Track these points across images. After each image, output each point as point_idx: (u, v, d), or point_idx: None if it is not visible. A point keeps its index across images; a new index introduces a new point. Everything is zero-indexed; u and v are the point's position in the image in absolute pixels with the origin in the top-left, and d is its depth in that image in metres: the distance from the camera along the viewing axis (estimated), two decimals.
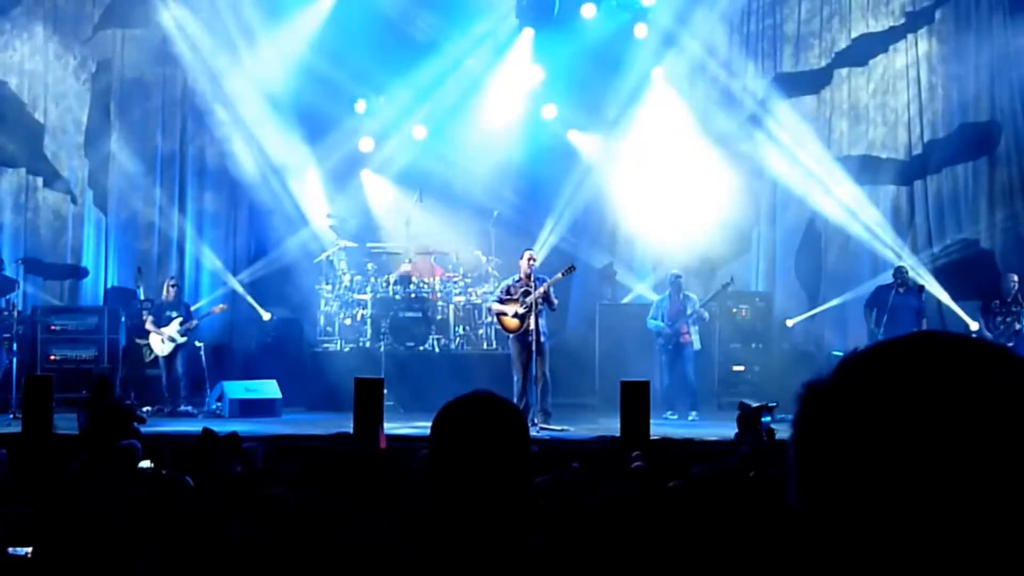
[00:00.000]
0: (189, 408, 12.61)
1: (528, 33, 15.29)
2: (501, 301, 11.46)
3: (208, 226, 15.12)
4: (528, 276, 11.16)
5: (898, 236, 14.52)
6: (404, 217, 14.90)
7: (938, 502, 0.90)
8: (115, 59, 14.78)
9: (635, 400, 9.63)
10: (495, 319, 11.75)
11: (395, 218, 15.17)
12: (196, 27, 14.72)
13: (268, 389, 12.55)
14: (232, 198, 15.13)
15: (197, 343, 13.10)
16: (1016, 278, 12.78)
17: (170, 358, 12.75)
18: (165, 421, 11.66)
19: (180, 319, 12.80)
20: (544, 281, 11.15)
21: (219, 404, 12.51)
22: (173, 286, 13.12)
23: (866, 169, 14.82)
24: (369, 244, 14.75)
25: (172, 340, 12.73)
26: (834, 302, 14.43)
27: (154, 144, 14.86)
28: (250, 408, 12.27)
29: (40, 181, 14.51)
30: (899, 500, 0.91)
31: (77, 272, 14.61)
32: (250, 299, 14.42)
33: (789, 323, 14.39)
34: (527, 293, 11.10)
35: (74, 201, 14.63)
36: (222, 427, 10.73)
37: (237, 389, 12.53)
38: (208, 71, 14.75)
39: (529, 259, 11.29)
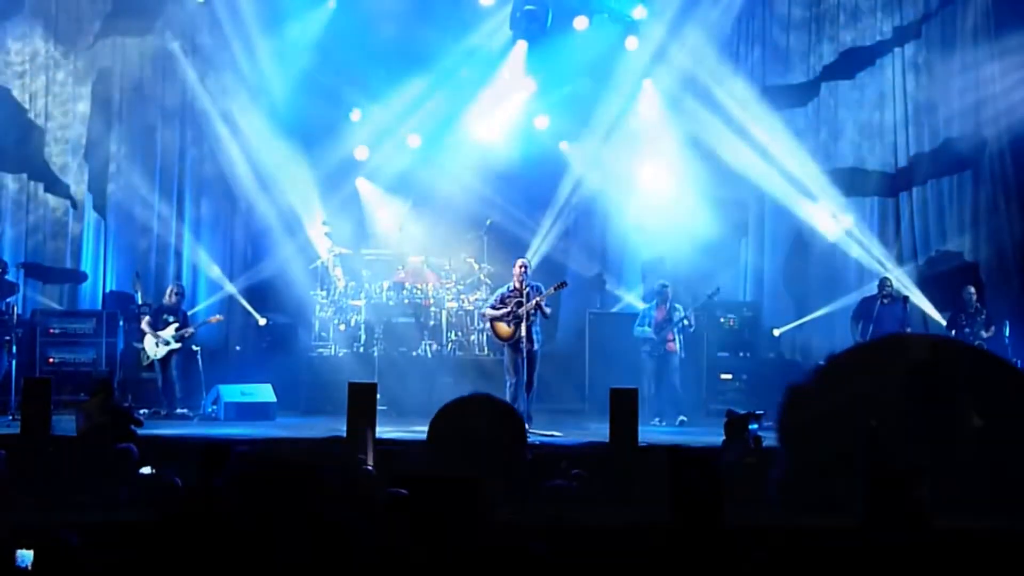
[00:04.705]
0: (185, 411, 12.68)
1: (521, 45, 15.47)
2: (495, 309, 11.66)
3: (205, 232, 15.26)
4: (521, 284, 11.39)
5: (884, 247, 14.73)
6: (398, 224, 15.15)
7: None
8: (115, 67, 14.92)
9: (624, 407, 9.79)
10: (489, 325, 11.94)
11: (389, 225, 15.40)
12: (195, 36, 14.95)
13: (263, 393, 12.65)
14: (229, 204, 15.26)
15: (194, 347, 13.19)
16: (973, 289, 13.06)
17: (164, 361, 12.85)
18: (161, 424, 11.77)
19: (176, 324, 12.93)
20: (537, 288, 11.39)
21: (215, 407, 12.59)
22: (177, 293, 13.19)
23: (852, 181, 15.00)
24: (363, 251, 14.95)
25: (166, 344, 12.83)
26: (821, 312, 14.60)
27: (153, 151, 14.98)
28: (245, 412, 12.36)
29: (41, 187, 14.64)
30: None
31: (76, 276, 14.72)
32: (246, 304, 14.61)
33: (776, 332, 14.57)
34: (520, 303, 11.31)
35: (74, 206, 14.74)
36: (217, 431, 10.96)
37: (233, 393, 12.61)
38: (206, 79, 14.94)
39: (522, 267, 11.51)
